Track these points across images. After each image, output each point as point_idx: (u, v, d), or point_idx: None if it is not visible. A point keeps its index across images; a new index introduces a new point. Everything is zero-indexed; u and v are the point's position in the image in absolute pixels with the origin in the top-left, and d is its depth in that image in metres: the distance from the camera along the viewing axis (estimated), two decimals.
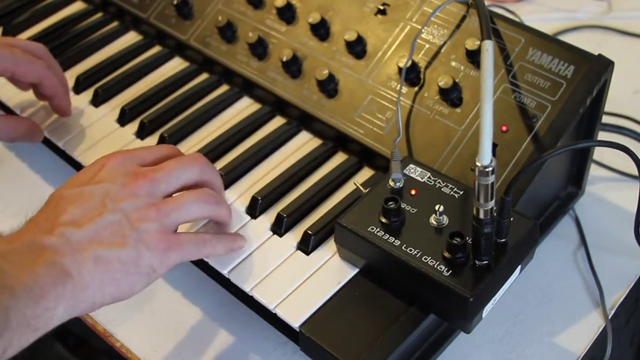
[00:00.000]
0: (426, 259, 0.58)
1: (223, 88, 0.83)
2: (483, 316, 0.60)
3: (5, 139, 0.78)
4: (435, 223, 0.61)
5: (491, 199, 0.55)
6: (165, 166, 0.62)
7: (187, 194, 0.62)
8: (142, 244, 0.57)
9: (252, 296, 0.64)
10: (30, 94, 0.82)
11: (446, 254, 0.58)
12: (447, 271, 0.57)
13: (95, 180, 0.59)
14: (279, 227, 0.68)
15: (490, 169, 0.52)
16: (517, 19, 0.97)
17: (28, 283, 0.51)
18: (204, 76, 0.85)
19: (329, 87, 0.76)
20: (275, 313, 0.62)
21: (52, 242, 0.54)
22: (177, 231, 0.61)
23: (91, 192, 0.58)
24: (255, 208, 0.70)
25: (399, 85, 0.73)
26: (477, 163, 0.52)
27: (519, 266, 0.61)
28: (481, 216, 0.55)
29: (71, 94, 0.85)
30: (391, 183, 0.65)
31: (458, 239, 0.57)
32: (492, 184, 0.53)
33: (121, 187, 0.59)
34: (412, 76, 0.73)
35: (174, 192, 0.62)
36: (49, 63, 0.78)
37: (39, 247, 0.54)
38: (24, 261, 0.52)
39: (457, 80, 0.71)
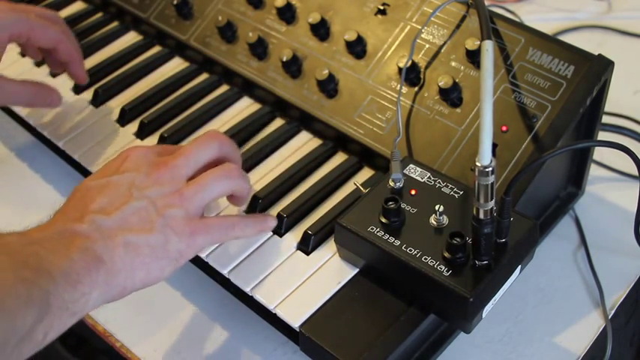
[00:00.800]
0: (425, 259, 0.58)
1: (223, 88, 0.83)
2: (483, 316, 0.60)
3: (23, 103, 0.79)
4: (434, 223, 0.61)
5: (491, 199, 0.55)
6: (184, 150, 0.63)
7: (208, 174, 0.62)
8: (169, 229, 0.58)
9: (252, 296, 0.64)
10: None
11: (446, 254, 0.58)
12: (447, 271, 0.57)
13: (120, 170, 0.61)
14: (279, 227, 0.68)
15: (490, 169, 0.52)
16: (517, 19, 0.97)
17: (64, 268, 0.52)
18: (204, 76, 0.85)
19: (329, 87, 0.76)
20: (275, 313, 0.62)
21: (83, 229, 0.55)
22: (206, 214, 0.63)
23: (117, 181, 0.60)
24: (255, 208, 0.70)
25: (399, 85, 0.73)
26: (477, 163, 0.52)
27: (519, 266, 0.61)
28: (481, 216, 0.55)
29: (71, 94, 0.85)
30: (391, 183, 0.65)
31: (458, 239, 0.57)
32: (492, 184, 0.53)
33: (145, 176, 0.60)
34: (412, 76, 0.73)
35: (197, 173, 0.63)
36: (63, 28, 0.79)
37: (71, 234, 0.55)
38: (58, 247, 0.53)
39: (457, 80, 0.71)
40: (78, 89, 0.85)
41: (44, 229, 0.56)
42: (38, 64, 0.89)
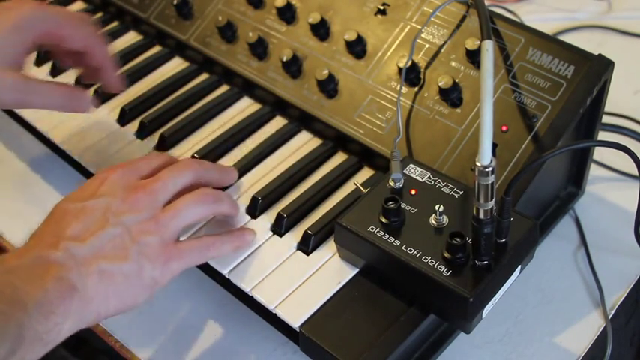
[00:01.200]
0: (426, 259, 0.58)
1: (223, 88, 0.83)
2: (483, 316, 0.60)
3: (55, 107, 0.70)
4: (434, 223, 0.61)
5: (491, 199, 0.55)
6: (161, 176, 0.63)
7: (182, 200, 0.63)
8: (143, 257, 0.58)
9: (252, 296, 0.64)
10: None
11: (446, 254, 0.58)
12: (447, 271, 0.57)
13: (97, 194, 0.61)
14: (279, 227, 0.68)
15: (490, 169, 0.52)
16: (517, 19, 0.97)
17: (39, 299, 0.52)
18: (204, 76, 0.85)
19: (329, 87, 0.76)
20: (275, 313, 0.62)
21: (57, 257, 0.55)
22: (182, 238, 0.63)
23: (93, 207, 0.60)
24: (255, 208, 0.70)
25: (399, 85, 0.73)
26: (477, 163, 0.52)
27: (519, 266, 0.61)
28: (481, 216, 0.55)
29: None
30: (391, 183, 0.65)
31: (458, 239, 0.57)
32: (492, 184, 0.53)
33: (121, 202, 0.60)
34: (412, 76, 0.73)
35: (173, 199, 0.63)
36: (95, 30, 0.73)
37: (46, 262, 0.55)
38: (33, 276, 0.53)
39: (457, 80, 0.71)
40: None
41: (20, 255, 0.55)
42: (38, 63, 0.89)
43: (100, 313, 0.57)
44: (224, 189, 0.71)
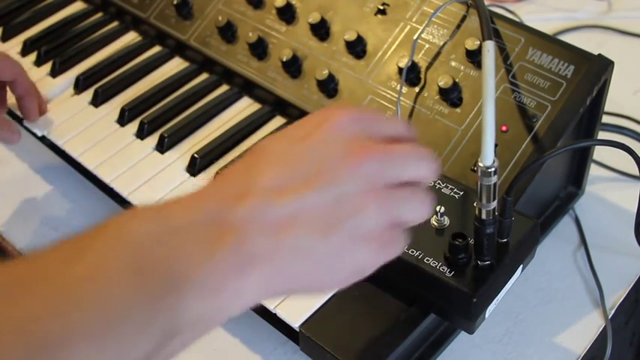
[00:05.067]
0: (428, 260, 0.58)
1: (223, 88, 0.83)
2: (486, 316, 0.60)
3: None
4: (435, 224, 0.61)
5: (494, 200, 0.54)
6: (404, 151, 0.48)
7: (420, 191, 0.49)
8: (352, 238, 0.45)
9: None
10: None
11: (448, 255, 0.58)
12: (450, 272, 0.57)
13: (311, 139, 0.47)
14: None
15: (493, 169, 0.52)
16: (517, 19, 0.97)
17: (207, 273, 0.41)
18: (204, 76, 0.85)
19: (329, 87, 0.76)
20: (275, 313, 0.62)
21: (238, 217, 0.43)
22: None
23: (303, 155, 0.46)
24: None
25: (399, 85, 0.73)
26: (480, 164, 0.52)
27: (521, 265, 0.61)
28: (483, 216, 0.55)
29: (71, 93, 0.85)
30: None
31: (460, 240, 0.57)
32: (495, 184, 0.53)
33: (340, 160, 0.46)
34: (412, 76, 0.73)
35: (398, 184, 0.48)
36: (17, 62, 0.80)
37: (221, 225, 0.42)
38: (201, 243, 0.42)
39: (457, 80, 0.71)
40: (78, 89, 0.85)
41: (189, 207, 0.43)
42: (38, 64, 0.89)
43: (278, 292, 0.45)
44: None
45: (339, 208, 0.45)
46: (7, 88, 0.80)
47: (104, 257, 0.39)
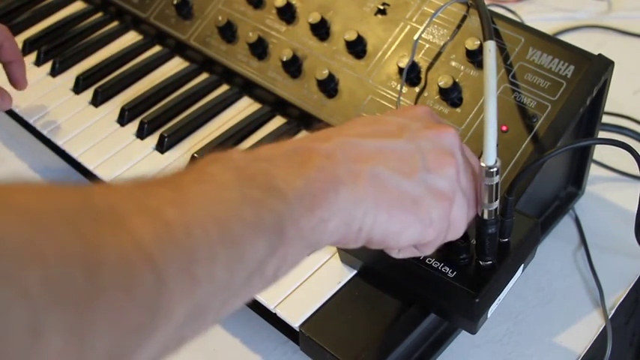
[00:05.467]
0: (429, 260, 0.58)
1: (223, 88, 0.83)
2: (488, 316, 0.60)
3: None
4: None
5: (496, 200, 0.54)
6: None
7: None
8: (428, 189, 0.48)
9: None
10: None
11: (450, 256, 0.58)
12: (452, 273, 0.57)
13: (397, 113, 0.53)
14: None
15: (495, 169, 0.52)
16: (517, 19, 0.97)
17: (299, 188, 0.42)
18: (204, 76, 0.85)
19: (329, 87, 0.76)
20: (275, 313, 0.62)
21: (323, 148, 0.45)
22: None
23: (388, 120, 0.50)
24: None
25: (399, 85, 0.73)
26: (482, 164, 0.52)
27: (522, 265, 0.61)
28: (485, 216, 0.55)
29: (71, 94, 0.85)
30: None
31: (462, 240, 0.57)
32: (497, 184, 0.53)
33: (423, 126, 0.50)
34: (412, 75, 0.73)
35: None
36: (4, 26, 0.78)
37: (307, 151, 0.45)
38: (291, 164, 0.44)
39: (457, 80, 0.71)
40: (78, 89, 0.85)
41: (274, 147, 0.45)
42: (38, 64, 0.89)
43: (363, 227, 0.45)
44: None
45: (420, 158, 0.48)
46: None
47: (209, 170, 0.41)
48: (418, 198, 0.47)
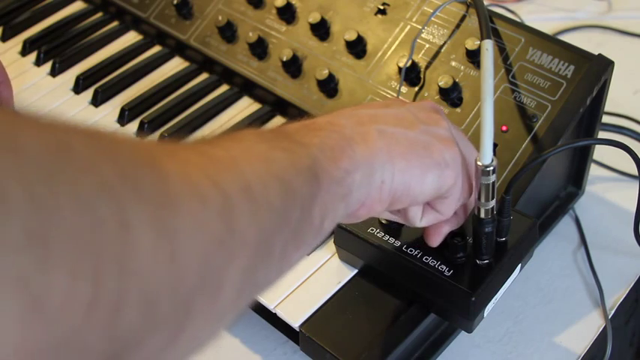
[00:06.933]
0: (427, 259, 0.58)
1: (223, 88, 0.83)
2: (485, 315, 0.60)
3: None
4: None
5: (493, 199, 0.54)
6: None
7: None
8: (433, 136, 0.51)
9: None
10: None
11: (447, 254, 0.58)
12: (449, 271, 0.57)
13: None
14: None
15: (491, 168, 0.52)
16: (517, 19, 0.97)
17: (317, 144, 0.44)
18: (204, 76, 0.85)
19: (329, 87, 0.76)
20: (275, 313, 0.62)
21: (326, 118, 0.48)
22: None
23: (383, 103, 0.55)
24: None
25: (398, 85, 0.73)
26: (478, 163, 0.52)
27: (520, 265, 0.61)
28: (482, 215, 0.55)
29: (71, 93, 0.85)
30: None
31: (459, 239, 0.57)
32: (494, 183, 0.53)
33: (416, 109, 0.54)
34: (412, 75, 0.73)
35: None
36: None
37: (312, 123, 0.47)
38: (301, 129, 0.45)
39: (457, 80, 0.71)
40: (78, 89, 0.85)
41: (277, 128, 0.47)
42: (38, 64, 0.89)
43: (384, 180, 0.47)
44: None
45: (414, 117, 0.51)
46: None
47: (232, 137, 0.41)
48: (427, 143, 0.50)
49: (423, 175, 0.49)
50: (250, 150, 0.39)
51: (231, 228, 0.34)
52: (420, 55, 0.74)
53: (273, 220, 0.38)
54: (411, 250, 0.59)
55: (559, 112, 0.66)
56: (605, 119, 0.82)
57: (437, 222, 0.56)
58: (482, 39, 0.64)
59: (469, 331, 0.60)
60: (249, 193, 0.36)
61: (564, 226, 0.76)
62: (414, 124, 0.51)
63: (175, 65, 0.87)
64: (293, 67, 0.78)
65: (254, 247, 0.36)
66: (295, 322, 0.61)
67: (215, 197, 0.33)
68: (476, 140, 0.54)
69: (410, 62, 0.72)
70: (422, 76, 0.73)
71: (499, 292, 0.59)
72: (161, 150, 0.34)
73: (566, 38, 0.86)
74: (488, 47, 0.57)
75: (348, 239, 0.63)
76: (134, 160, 0.30)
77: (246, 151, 0.39)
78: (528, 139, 0.66)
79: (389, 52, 0.75)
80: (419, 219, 0.54)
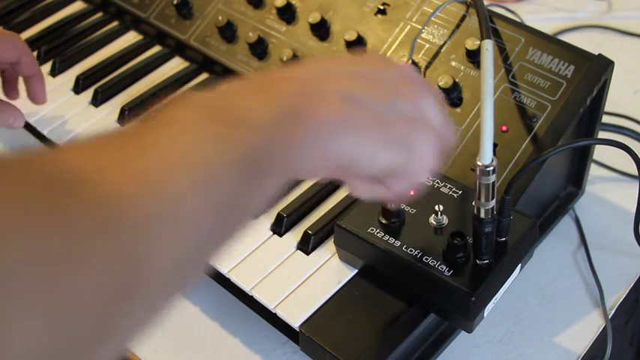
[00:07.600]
0: (426, 259, 0.58)
1: None
2: (485, 315, 0.60)
3: None
4: (434, 223, 0.61)
5: (492, 199, 0.55)
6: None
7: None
8: (398, 112, 0.46)
9: (252, 296, 0.64)
10: None
11: (447, 254, 0.58)
12: (449, 271, 0.57)
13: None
14: (279, 227, 0.68)
15: (491, 168, 0.52)
16: (517, 19, 0.97)
17: (266, 115, 0.41)
18: (204, 76, 0.85)
19: None
20: (275, 313, 0.62)
21: (284, 75, 0.45)
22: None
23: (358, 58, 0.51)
24: None
25: None
26: (478, 163, 0.52)
27: (520, 264, 0.61)
28: (482, 215, 0.55)
29: (71, 93, 0.85)
30: None
31: (459, 239, 0.57)
32: (493, 183, 0.53)
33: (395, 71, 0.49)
34: None
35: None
36: (23, 42, 0.77)
37: (268, 81, 0.44)
38: (252, 94, 0.42)
39: (457, 80, 0.71)
40: (78, 89, 0.85)
41: (239, 80, 0.44)
42: (38, 64, 0.89)
43: (337, 142, 0.43)
44: None
45: (389, 88, 0.47)
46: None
47: (169, 114, 0.40)
48: (391, 120, 0.45)
49: (374, 152, 0.45)
50: (178, 149, 0.37)
51: (137, 276, 0.35)
52: (420, 55, 0.74)
53: (200, 237, 0.38)
54: (411, 250, 0.59)
55: (559, 112, 0.66)
56: (605, 119, 0.82)
57: (380, 197, 0.52)
58: (482, 39, 0.64)
59: (469, 331, 0.60)
60: (171, 221, 0.35)
61: (564, 226, 0.76)
62: (384, 93, 0.46)
63: (175, 65, 0.87)
64: None
65: (171, 270, 0.37)
66: (295, 322, 0.61)
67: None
68: (476, 140, 0.54)
69: (410, 62, 0.72)
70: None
71: (499, 292, 0.59)
72: (73, 178, 0.32)
73: (566, 38, 0.87)
74: (488, 47, 0.57)
75: (348, 239, 0.63)
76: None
77: (171, 152, 0.37)
78: (528, 139, 0.66)
79: (389, 52, 0.75)
80: (359, 191, 0.51)
